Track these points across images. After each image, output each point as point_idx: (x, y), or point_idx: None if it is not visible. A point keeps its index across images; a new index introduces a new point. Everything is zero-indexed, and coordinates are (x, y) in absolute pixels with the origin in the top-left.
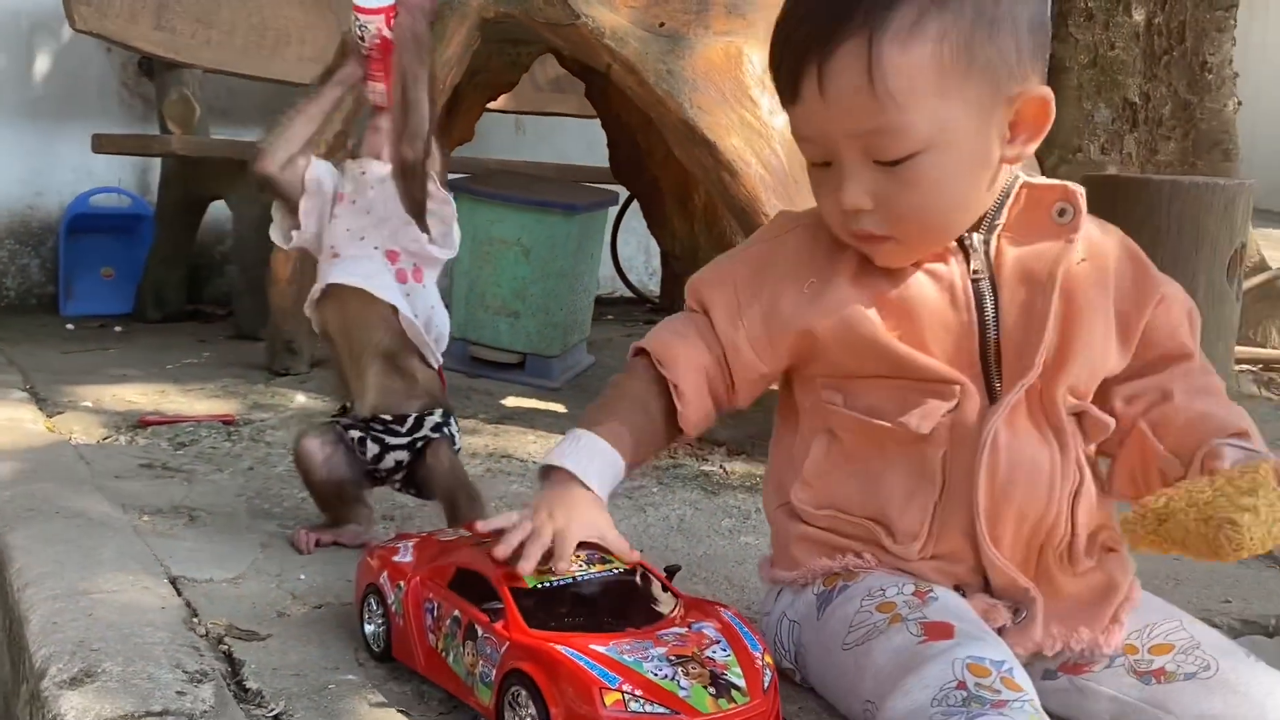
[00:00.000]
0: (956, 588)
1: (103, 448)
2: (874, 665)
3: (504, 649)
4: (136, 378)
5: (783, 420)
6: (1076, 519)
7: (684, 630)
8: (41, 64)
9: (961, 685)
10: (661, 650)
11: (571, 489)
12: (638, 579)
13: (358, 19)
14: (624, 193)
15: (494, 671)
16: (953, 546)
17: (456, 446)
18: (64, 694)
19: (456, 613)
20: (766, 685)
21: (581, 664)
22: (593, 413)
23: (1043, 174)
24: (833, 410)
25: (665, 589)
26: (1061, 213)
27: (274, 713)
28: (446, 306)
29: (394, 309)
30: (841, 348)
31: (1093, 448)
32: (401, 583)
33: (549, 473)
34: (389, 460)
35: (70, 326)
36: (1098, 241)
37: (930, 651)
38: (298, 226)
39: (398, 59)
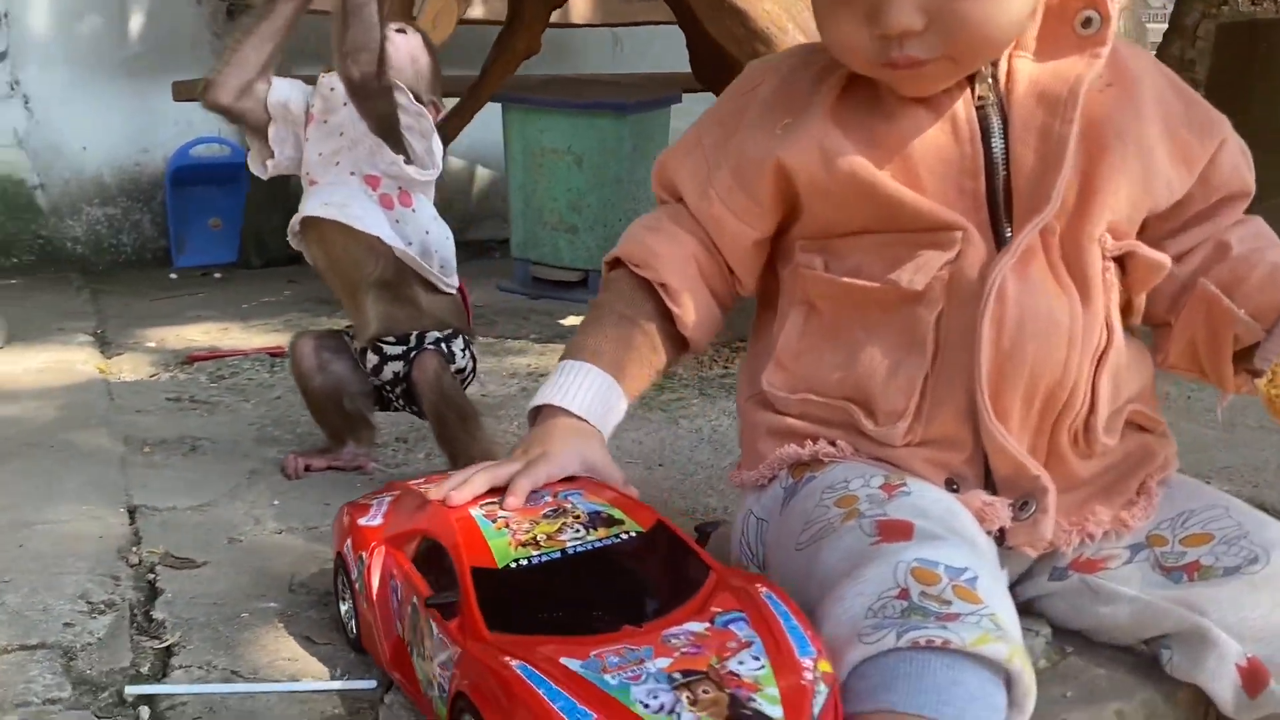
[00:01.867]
0: (949, 481)
1: (141, 384)
2: (821, 569)
3: (457, 659)
4: (208, 318)
5: (761, 301)
6: (1098, 388)
7: (703, 627)
8: (135, 22)
9: (903, 594)
10: (664, 662)
11: (556, 421)
12: (648, 544)
13: None
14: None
15: (448, 688)
16: (946, 429)
17: (461, 365)
18: None
19: (415, 599)
20: (818, 711)
21: (541, 695)
22: (577, 339)
23: (1183, 30)
24: (810, 276)
25: (691, 557)
26: (1086, 23)
27: (168, 644)
28: (503, 221)
29: (378, 238)
30: (820, 193)
31: (1140, 303)
32: (363, 553)
33: (535, 415)
34: (387, 372)
35: (173, 276)
36: (1128, 65)
37: (877, 554)
38: (272, 155)
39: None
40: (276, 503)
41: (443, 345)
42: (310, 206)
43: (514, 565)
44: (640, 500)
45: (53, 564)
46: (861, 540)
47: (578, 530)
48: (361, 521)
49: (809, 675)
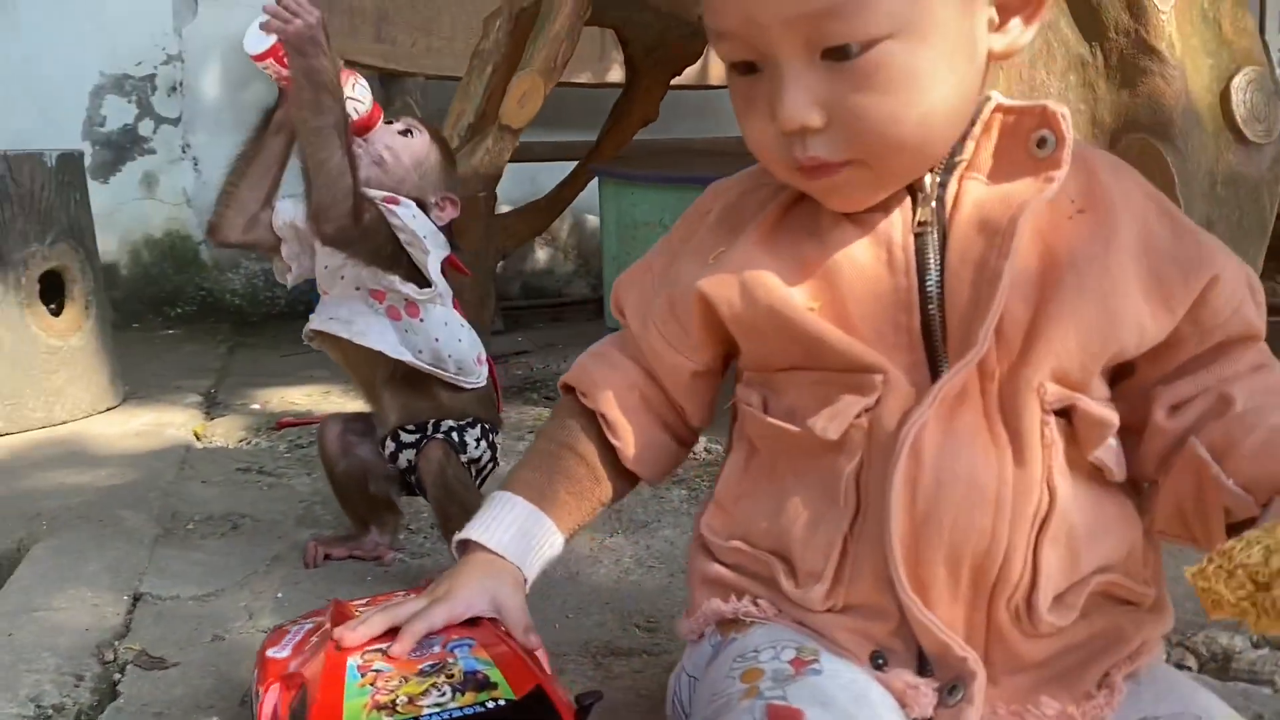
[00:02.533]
0: (875, 655)
1: (219, 453)
2: None
3: None
4: (318, 379)
5: (732, 438)
6: (1040, 560)
7: None
8: None
9: None
10: None
11: (472, 557)
12: (512, 714)
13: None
14: None
15: None
16: (868, 596)
17: (474, 455)
18: None
19: None
20: None
21: None
22: (514, 470)
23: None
24: (748, 414)
25: None
26: (1041, 143)
27: None
28: (597, 295)
29: (382, 353)
30: (743, 327)
31: (1109, 459)
32: (260, 689)
33: (461, 549)
34: (402, 459)
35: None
36: (1108, 188)
37: None
38: (290, 269)
39: (285, 113)
40: (280, 594)
41: (453, 435)
42: (317, 321)
43: None
44: (537, 655)
45: (25, 659)
46: None
47: (443, 693)
48: (270, 653)
49: None
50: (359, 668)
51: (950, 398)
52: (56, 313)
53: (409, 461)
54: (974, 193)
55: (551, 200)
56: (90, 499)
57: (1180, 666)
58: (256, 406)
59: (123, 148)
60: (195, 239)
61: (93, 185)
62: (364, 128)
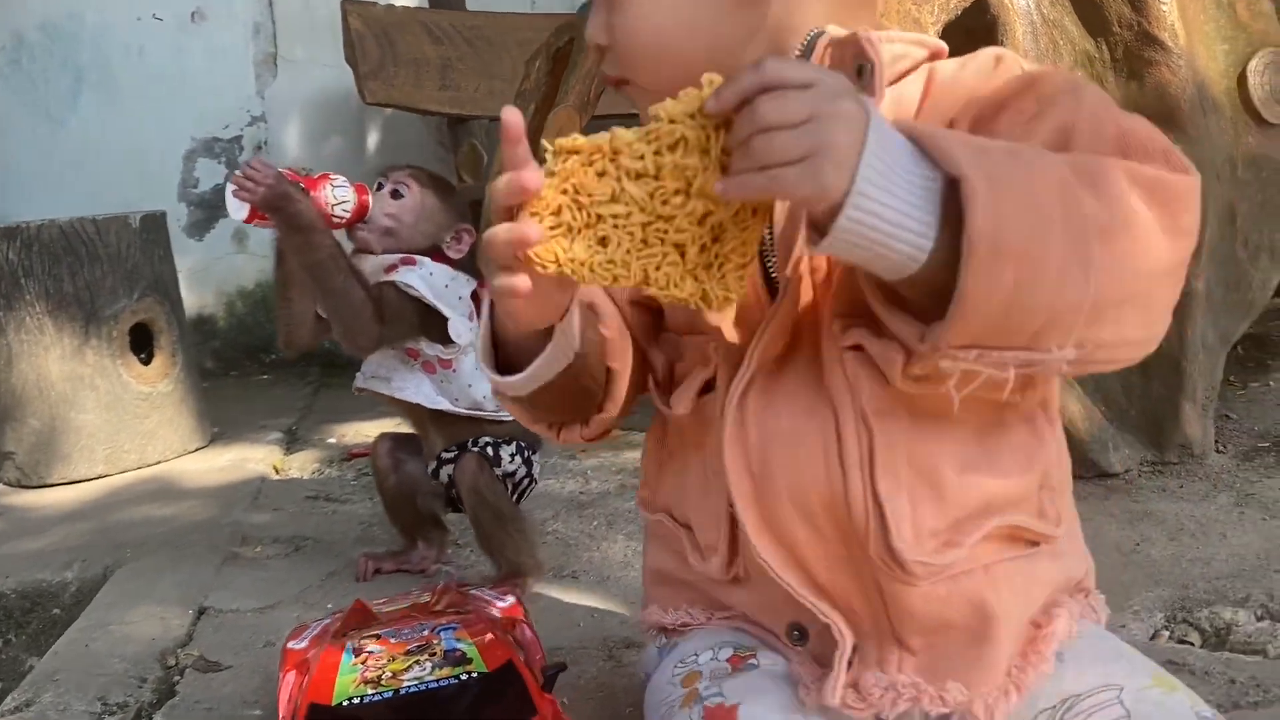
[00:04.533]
0: (792, 627)
1: (293, 483)
2: None
3: None
4: (392, 413)
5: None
6: (880, 498)
7: None
8: (371, 139)
9: None
10: None
11: None
12: (485, 686)
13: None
14: None
15: None
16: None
17: (510, 469)
18: None
19: None
20: None
21: None
22: None
23: None
24: (651, 384)
25: (520, 698)
26: (859, 72)
27: None
28: None
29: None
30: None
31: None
32: (280, 674)
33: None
34: (443, 474)
35: None
36: (940, 87)
37: None
38: None
39: (283, 267)
40: (330, 605)
41: (488, 449)
42: (361, 380)
43: (345, 703)
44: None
45: (98, 664)
46: None
47: (424, 668)
48: (290, 645)
49: None
50: (354, 650)
51: (773, 352)
52: (146, 362)
53: (449, 476)
54: None
55: None
56: (171, 529)
57: (1182, 642)
58: (332, 440)
59: (215, 206)
60: None
61: (189, 243)
62: (361, 214)
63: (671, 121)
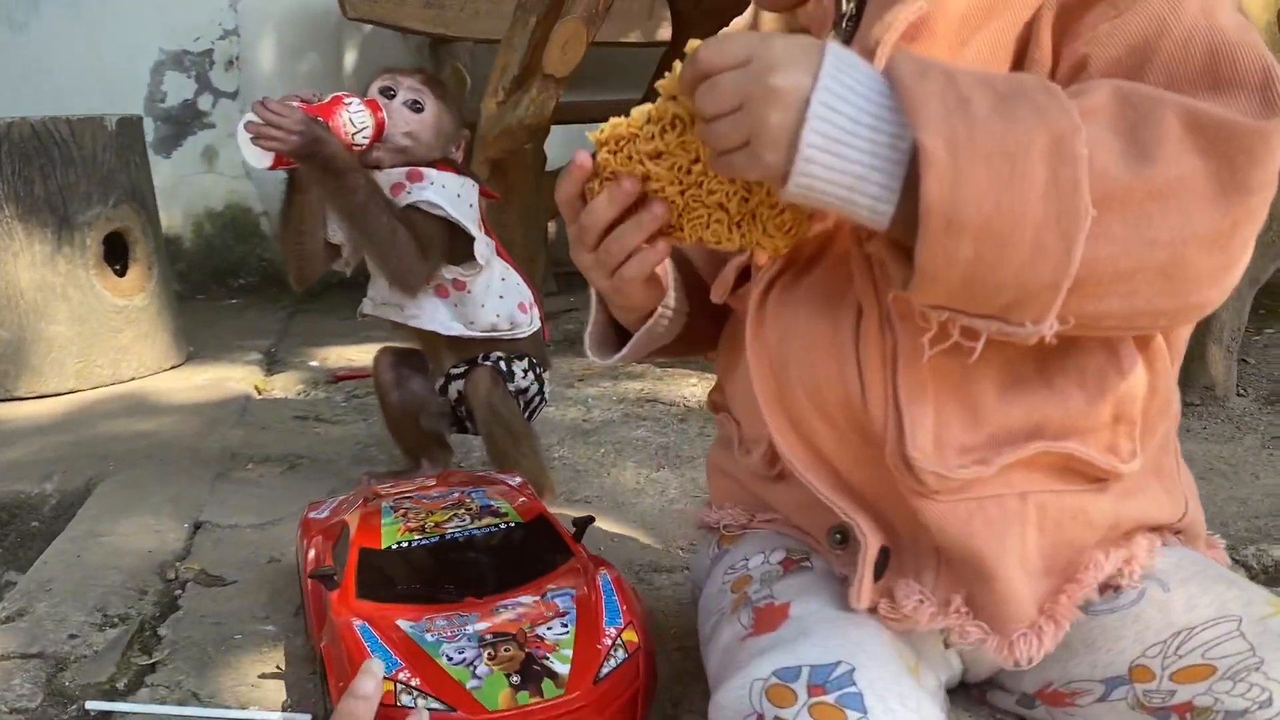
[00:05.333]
0: (834, 530)
1: (280, 402)
2: (711, 669)
3: (326, 622)
4: (376, 338)
5: None
6: (900, 403)
7: (532, 600)
8: (349, 58)
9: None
10: (482, 626)
11: None
12: (522, 534)
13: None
14: None
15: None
16: None
17: (522, 385)
18: None
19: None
20: (603, 674)
21: (367, 646)
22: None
23: None
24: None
25: (558, 545)
26: None
27: (153, 661)
28: None
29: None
30: None
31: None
32: (305, 540)
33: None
34: (452, 390)
35: None
36: None
37: (743, 656)
38: (349, 263)
39: (296, 202)
40: None
41: (501, 364)
42: (370, 306)
43: (395, 547)
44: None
45: (93, 575)
46: (737, 633)
47: (464, 519)
48: (311, 515)
49: (607, 641)
50: (391, 508)
51: (807, 248)
52: (121, 274)
53: (458, 392)
54: (875, 12)
55: None
56: (154, 443)
57: None
58: (315, 363)
59: (183, 122)
60: (255, 211)
61: (155, 159)
62: (379, 134)
63: (667, 100)
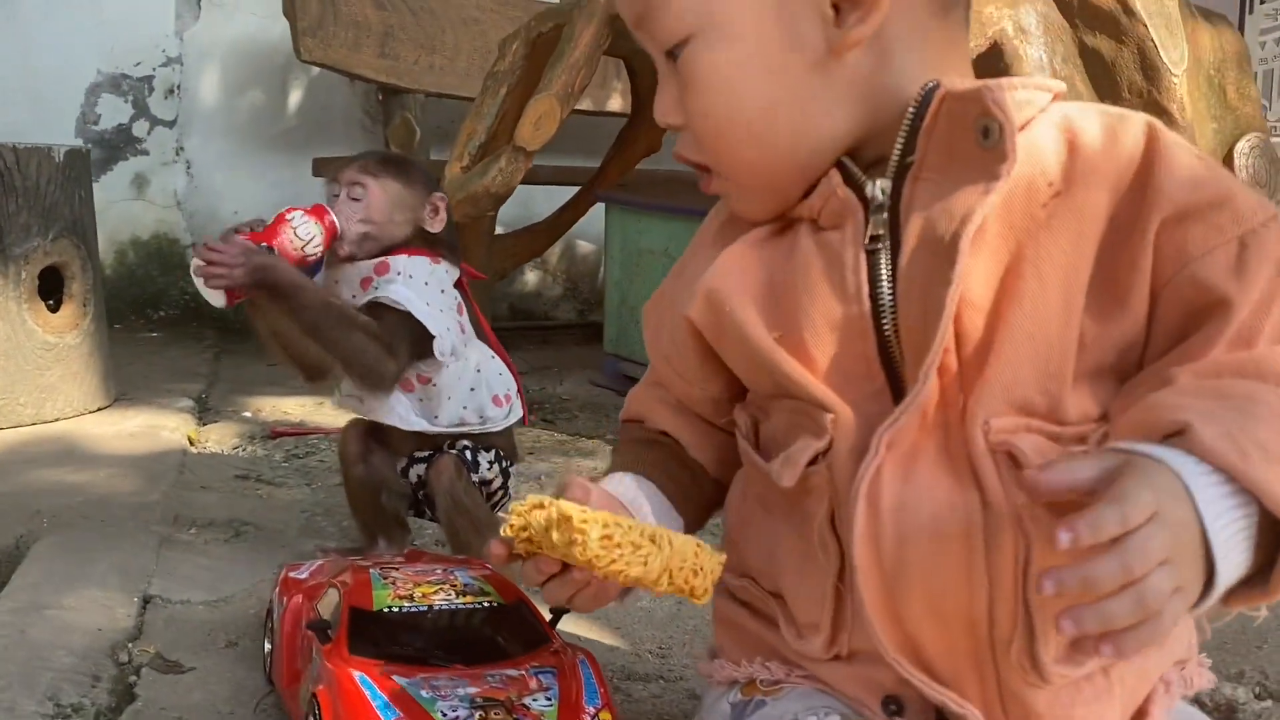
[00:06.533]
0: (888, 700)
1: (217, 459)
2: None
3: (319, 671)
4: (308, 390)
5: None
6: (1032, 606)
7: (518, 673)
8: (293, 98)
9: None
10: (473, 690)
11: None
12: (503, 614)
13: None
14: None
15: (310, 691)
16: (870, 642)
17: (486, 477)
18: None
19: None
20: None
21: (366, 694)
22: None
23: None
24: (739, 439)
25: (535, 628)
26: (985, 133)
27: None
28: (585, 320)
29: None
30: (725, 352)
31: None
32: (285, 598)
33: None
34: (413, 474)
35: None
36: (1094, 156)
37: None
38: None
39: (263, 321)
40: None
41: (466, 453)
42: (337, 399)
43: (385, 610)
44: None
45: (41, 656)
46: None
47: (450, 594)
48: (291, 575)
49: (587, 718)
50: (381, 576)
51: (904, 441)
52: (54, 309)
53: (419, 477)
54: (924, 200)
55: (551, 224)
56: (90, 498)
57: None
58: (248, 414)
59: (116, 147)
60: (183, 242)
61: None
62: (332, 237)
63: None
